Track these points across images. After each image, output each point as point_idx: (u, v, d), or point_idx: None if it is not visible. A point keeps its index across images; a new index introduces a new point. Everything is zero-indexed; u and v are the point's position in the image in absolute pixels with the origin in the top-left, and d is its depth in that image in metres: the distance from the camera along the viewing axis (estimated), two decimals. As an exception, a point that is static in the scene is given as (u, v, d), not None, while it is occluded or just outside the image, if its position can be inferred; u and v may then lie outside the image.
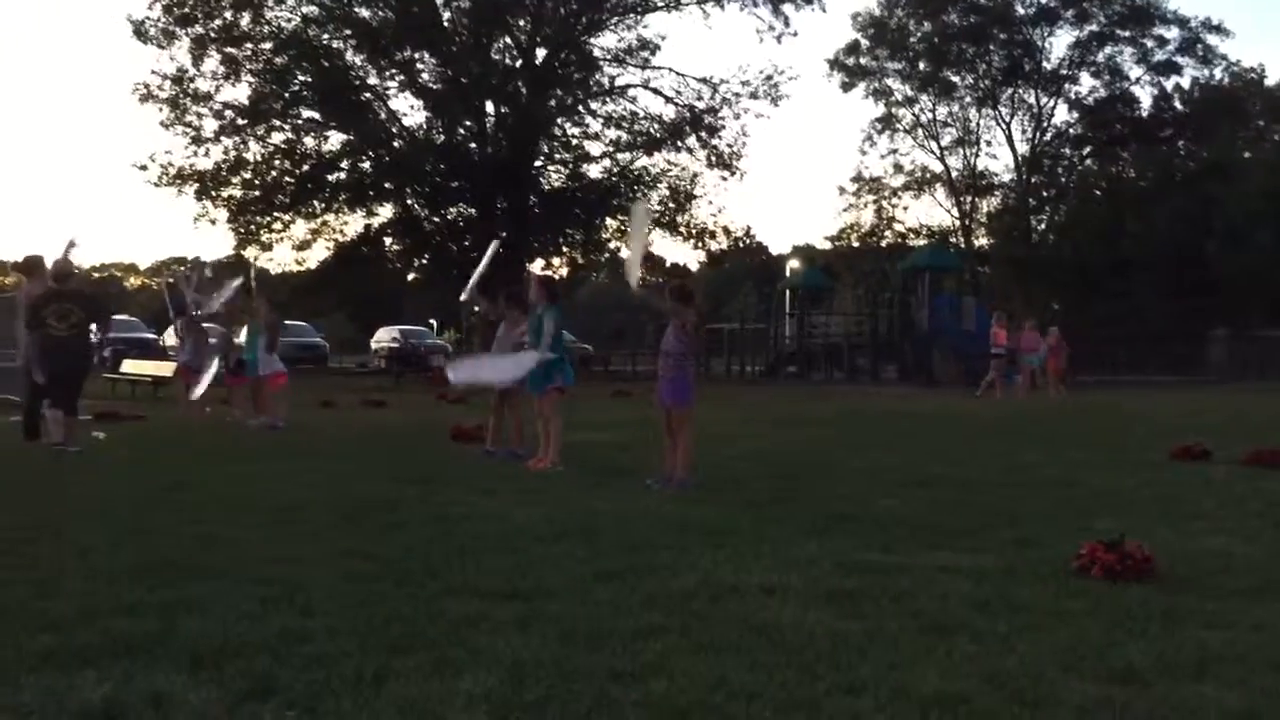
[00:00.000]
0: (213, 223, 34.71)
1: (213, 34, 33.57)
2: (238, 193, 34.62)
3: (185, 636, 4.08)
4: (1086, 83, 49.16)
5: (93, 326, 11.68)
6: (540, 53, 36.81)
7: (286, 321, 16.91)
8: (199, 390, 15.57)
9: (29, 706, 3.37)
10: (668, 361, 8.72)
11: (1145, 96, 49.42)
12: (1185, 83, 48.62)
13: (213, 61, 33.87)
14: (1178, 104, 48.99)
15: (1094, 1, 47.12)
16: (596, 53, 37.62)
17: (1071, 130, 50.20)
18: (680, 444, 8.58)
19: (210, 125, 34.11)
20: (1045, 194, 51.04)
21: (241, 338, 16.17)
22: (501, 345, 10.93)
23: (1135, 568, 5.14)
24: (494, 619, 4.37)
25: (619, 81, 37.73)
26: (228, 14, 33.75)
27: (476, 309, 11.04)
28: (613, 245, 39.36)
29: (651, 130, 37.27)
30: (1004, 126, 49.82)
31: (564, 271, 39.63)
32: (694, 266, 69.64)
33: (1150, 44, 47.69)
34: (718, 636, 4.15)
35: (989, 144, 50.87)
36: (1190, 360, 36.62)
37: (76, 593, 4.80)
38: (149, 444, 12.18)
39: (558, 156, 38.37)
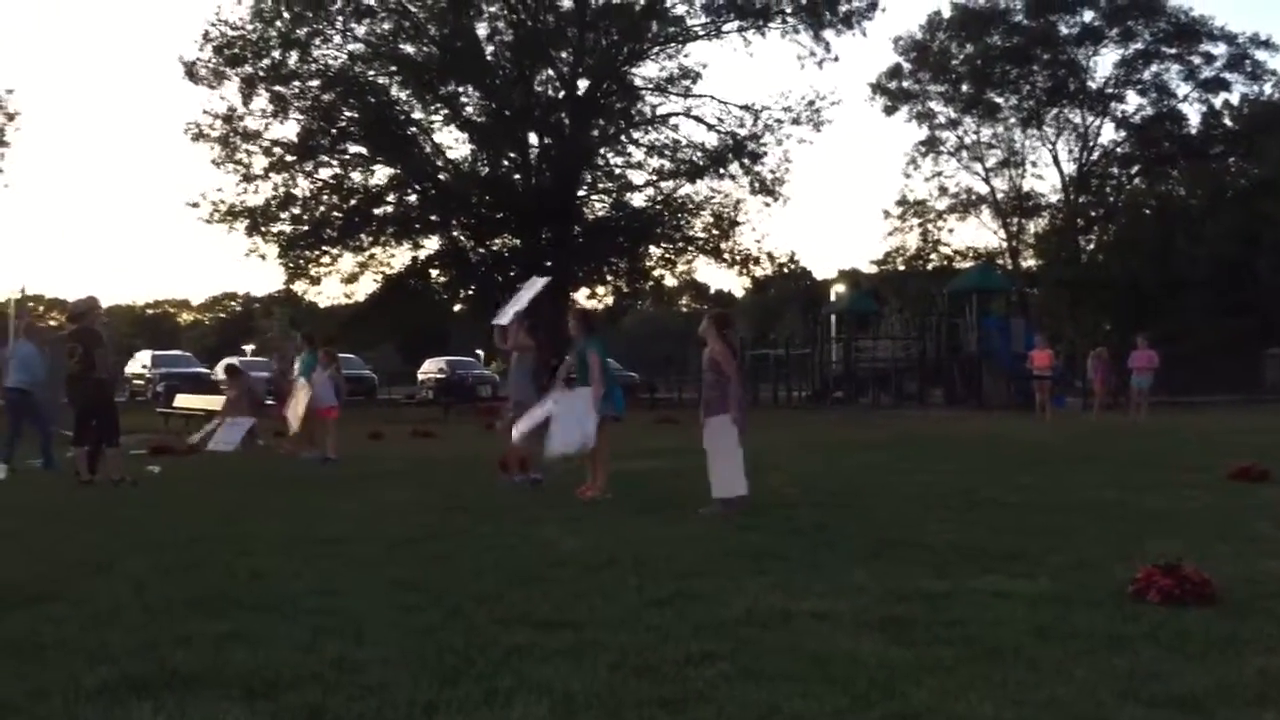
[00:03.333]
0: (263, 258, 35.27)
1: (261, 73, 34.18)
2: (287, 228, 35.12)
3: (239, 667, 4.12)
4: (1133, 101, 48.76)
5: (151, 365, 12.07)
6: (583, 84, 37.11)
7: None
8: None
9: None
10: (709, 394, 8.77)
11: (1194, 114, 48.92)
12: (1234, 99, 48.10)
13: (262, 100, 34.51)
14: (1227, 121, 48.40)
15: (1139, 20, 46.74)
16: (638, 82, 37.91)
17: (1119, 149, 49.73)
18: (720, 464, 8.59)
19: (260, 162, 34.70)
20: (1093, 214, 50.52)
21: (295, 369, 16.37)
22: (515, 375, 10.96)
23: (1193, 591, 5.05)
24: (544, 648, 4.37)
25: (661, 110, 37.98)
26: (276, 53, 34.36)
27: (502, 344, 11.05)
28: (657, 273, 39.52)
29: (694, 158, 37.43)
30: (1050, 147, 49.48)
31: (609, 300, 39.77)
32: (739, 293, 69.64)
33: (1197, 61, 47.21)
34: (768, 664, 4.12)
35: (1035, 165, 50.57)
36: (1245, 379, 35.99)
37: (132, 625, 4.87)
38: (202, 478, 12.34)
39: (601, 186, 38.63)
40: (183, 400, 24.21)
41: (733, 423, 8.55)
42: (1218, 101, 48.21)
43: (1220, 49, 46.74)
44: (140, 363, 40.47)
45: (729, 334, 8.93)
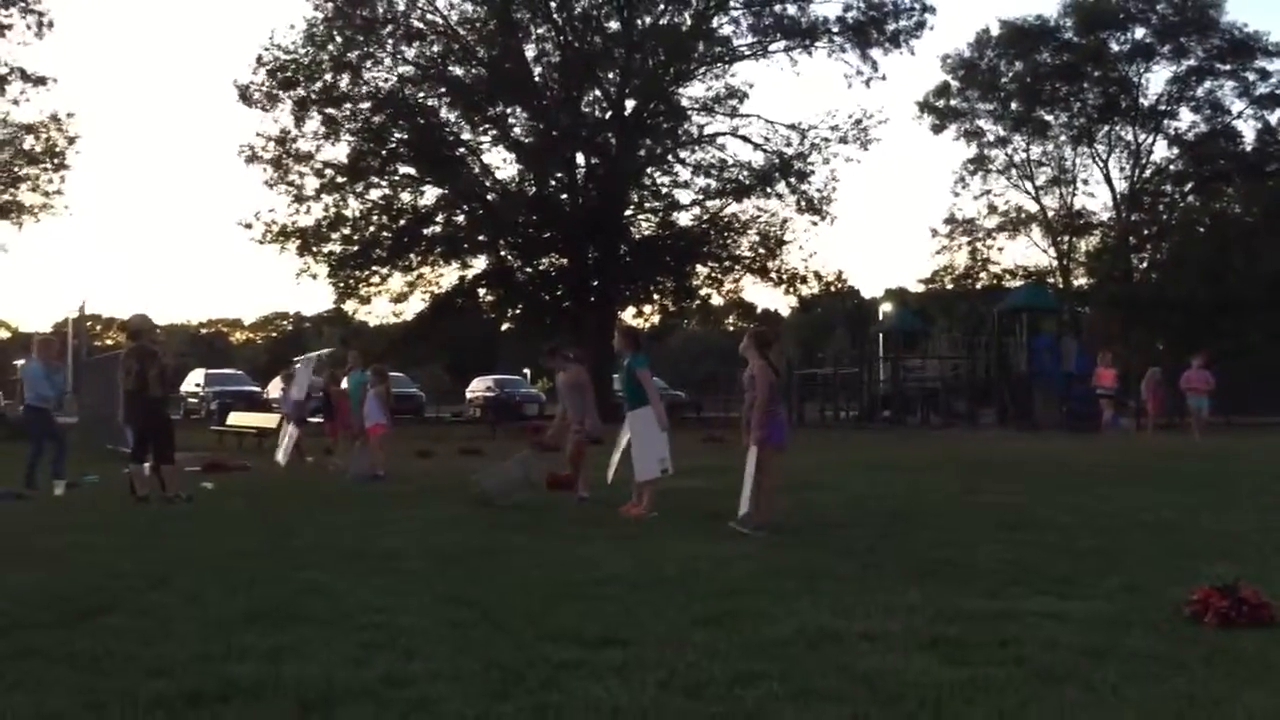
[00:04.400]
0: (314, 278, 35.71)
1: (314, 96, 34.69)
2: (337, 248, 35.56)
3: (292, 681, 4.17)
4: (1186, 118, 48.07)
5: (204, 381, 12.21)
6: (630, 104, 37.28)
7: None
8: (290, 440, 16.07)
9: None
10: (750, 413, 8.72)
11: (1249, 131, 48.14)
12: (1291, 116, 47.27)
13: (314, 122, 35.01)
14: (1283, 137, 47.61)
15: (1192, 36, 46.17)
16: (685, 102, 38.01)
17: (1172, 167, 49.06)
18: (764, 485, 8.54)
19: (311, 184, 35.17)
20: (1146, 232, 49.81)
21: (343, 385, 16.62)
22: (565, 396, 11.20)
23: (1252, 614, 4.96)
24: (592, 665, 4.38)
25: (708, 130, 38.05)
26: (328, 76, 34.88)
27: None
28: (703, 292, 39.53)
29: (741, 177, 37.43)
30: (1101, 164, 48.88)
31: (655, 319, 39.83)
32: (785, 312, 69.45)
33: (1252, 77, 46.51)
34: (817, 684, 4.10)
35: (1086, 182, 49.86)
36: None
37: (188, 638, 4.94)
38: (254, 494, 12.48)
39: (648, 205, 38.72)
40: (236, 418, 24.57)
41: (753, 443, 8.53)
42: (1273, 118, 47.46)
43: (1275, 65, 46.01)
44: (194, 381, 41.12)
45: (769, 353, 8.91)
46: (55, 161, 35.77)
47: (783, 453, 8.95)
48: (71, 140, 35.80)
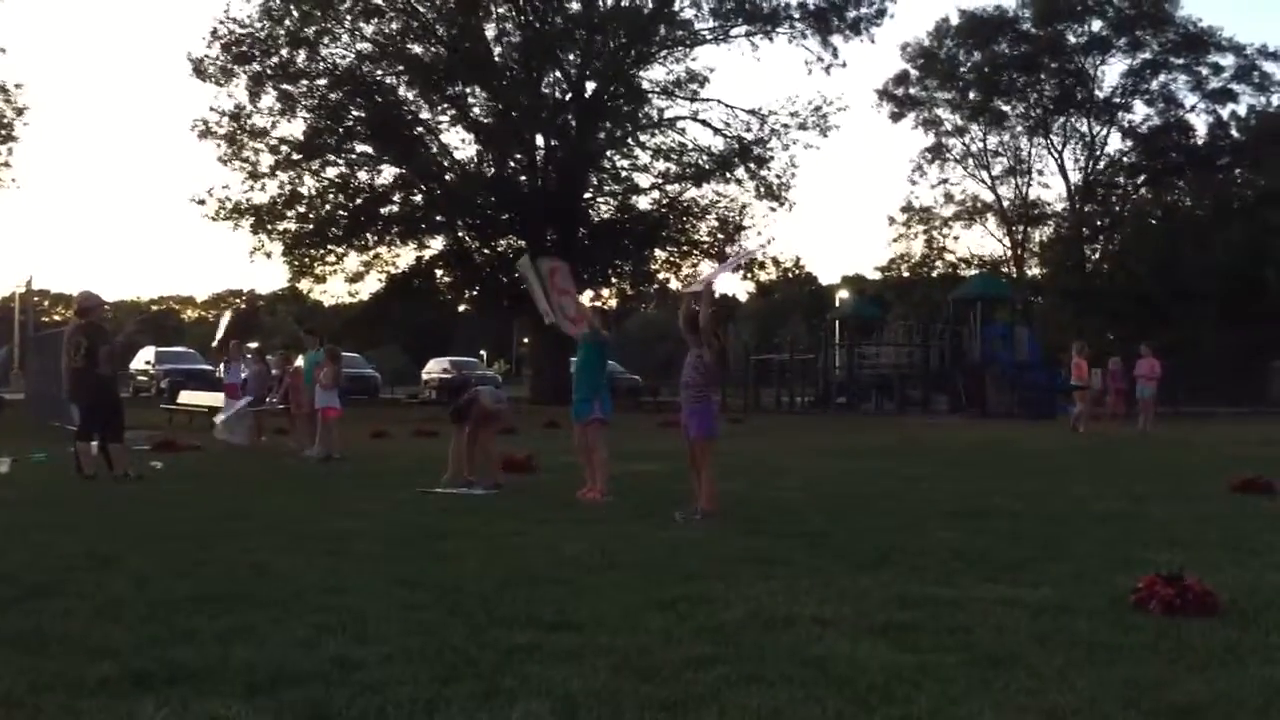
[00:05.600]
0: (268, 256, 35.34)
1: (269, 71, 34.26)
2: (293, 226, 35.18)
3: (242, 663, 4.12)
4: (1140, 111, 48.72)
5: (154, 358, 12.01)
6: (590, 86, 37.16)
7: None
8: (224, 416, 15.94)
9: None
10: (688, 393, 8.68)
11: (1201, 124, 48.86)
12: (1242, 110, 48.05)
13: (269, 98, 34.60)
14: (1234, 131, 48.34)
15: (1147, 30, 46.72)
16: (645, 85, 37.93)
17: (1125, 159, 49.68)
18: (703, 475, 8.54)
19: (266, 160, 34.77)
20: (1099, 223, 50.45)
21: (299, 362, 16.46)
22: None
23: (1195, 602, 5.04)
24: (545, 649, 4.38)
25: (668, 114, 38.02)
26: (284, 52, 34.44)
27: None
28: (661, 276, 39.55)
29: (700, 162, 37.44)
30: (1056, 155, 49.45)
31: (613, 303, 39.82)
32: (743, 297, 69.63)
33: (1205, 71, 47.19)
34: (770, 668, 4.12)
35: (1041, 173, 50.44)
36: (1251, 391, 35.93)
37: (135, 620, 4.88)
38: (204, 474, 12.35)
39: (607, 188, 38.66)
40: (186, 397, 24.24)
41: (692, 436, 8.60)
42: (1225, 112, 48.21)
43: (1228, 60, 46.77)
44: (144, 359, 40.54)
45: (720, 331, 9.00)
46: (3, 133, 35.10)
47: (716, 439, 8.94)
48: (20, 111, 35.13)
